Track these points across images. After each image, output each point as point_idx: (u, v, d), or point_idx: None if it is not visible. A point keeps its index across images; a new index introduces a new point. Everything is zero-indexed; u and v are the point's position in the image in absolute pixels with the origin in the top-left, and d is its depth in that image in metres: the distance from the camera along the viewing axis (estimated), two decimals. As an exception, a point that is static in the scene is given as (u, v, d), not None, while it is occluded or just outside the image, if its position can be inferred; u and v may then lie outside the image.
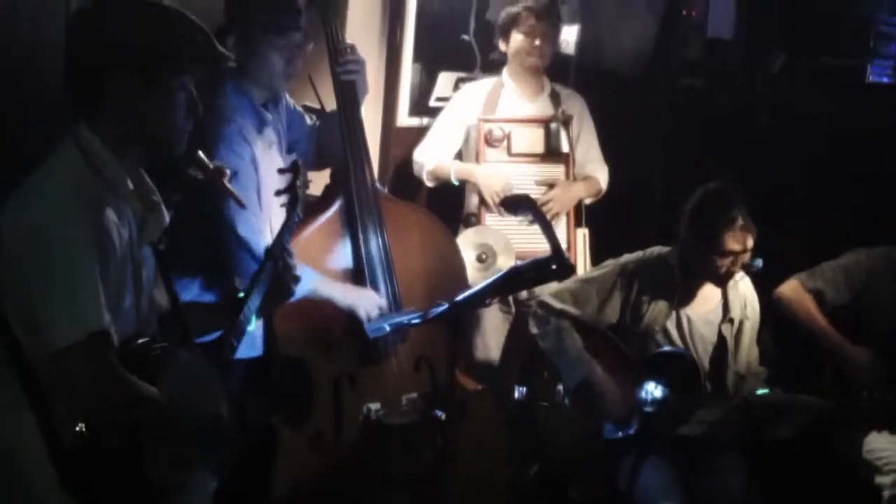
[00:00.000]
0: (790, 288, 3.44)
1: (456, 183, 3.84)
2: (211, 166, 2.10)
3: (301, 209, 2.39)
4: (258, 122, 2.82)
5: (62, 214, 1.81)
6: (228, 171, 2.12)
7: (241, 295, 2.18)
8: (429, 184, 3.90)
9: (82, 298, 1.79)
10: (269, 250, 2.23)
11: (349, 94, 3.00)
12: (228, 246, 2.71)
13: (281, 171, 2.49)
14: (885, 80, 4.28)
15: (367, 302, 2.94)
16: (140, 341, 1.93)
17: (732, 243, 3.08)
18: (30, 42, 2.68)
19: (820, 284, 3.41)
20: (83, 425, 1.77)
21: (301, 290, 2.75)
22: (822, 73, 4.33)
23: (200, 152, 2.06)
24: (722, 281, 3.20)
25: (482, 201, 3.79)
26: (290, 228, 2.31)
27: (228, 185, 2.13)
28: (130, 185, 1.93)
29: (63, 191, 1.84)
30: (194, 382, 1.96)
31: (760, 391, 3.10)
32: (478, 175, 3.79)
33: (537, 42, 3.79)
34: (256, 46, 2.74)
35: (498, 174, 3.78)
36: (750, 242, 3.10)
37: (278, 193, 2.42)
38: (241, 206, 2.22)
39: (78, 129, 1.90)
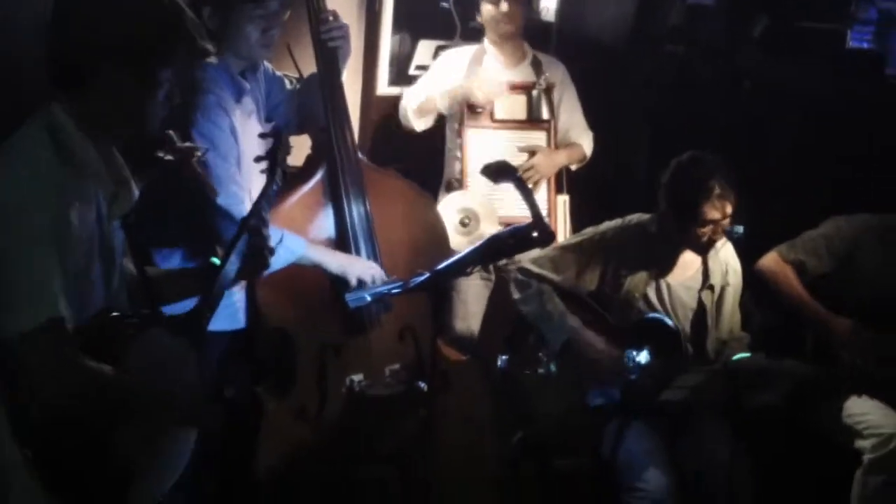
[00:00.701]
0: (770, 260, 3.46)
1: (446, 112, 3.80)
2: (181, 146, 2.07)
3: (280, 177, 2.36)
4: (236, 91, 2.80)
5: (22, 199, 1.79)
6: (199, 152, 2.09)
7: (216, 262, 2.15)
8: (417, 126, 3.85)
9: (37, 285, 1.77)
10: (244, 220, 2.21)
11: (332, 61, 2.97)
12: (209, 215, 2.68)
13: (262, 135, 2.47)
14: (865, 45, 4.27)
15: (358, 268, 2.92)
16: (111, 315, 1.92)
17: (711, 212, 3.09)
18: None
19: (800, 255, 3.42)
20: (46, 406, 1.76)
21: (290, 256, 2.76)
22: (803, 39, 4.32)
23: (171, 132, 2.04)
24: (703, 249, 3.21)
25: (471, 110, 3.74)
26: (268, 197, 2.28)
27: (197, 167, 2.10)
28: (101, 164, 1.92)
29: (24, 175, 1.81)
30: (166, 355, 1.95)
31: (740, 355, 3.12)
32: (467, 87, 3.74)
33: (504, 7, 3.77)
34: (231, 16, 2.72)
35: (494, 81, 3.76)
36: (729, 209, 3.10)
37: (258, 159, 2.39)
38: (209, 185, 2.19)
39: (50, 108, 1.88)
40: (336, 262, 2.91)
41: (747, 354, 3.12)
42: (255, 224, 2.19)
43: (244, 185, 2.74)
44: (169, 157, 2.08)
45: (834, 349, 3.29)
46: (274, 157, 2.37)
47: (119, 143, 1.99)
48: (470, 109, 3.81)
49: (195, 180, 2.12)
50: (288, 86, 3.08)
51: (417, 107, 3.83)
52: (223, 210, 2.67)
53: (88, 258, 1.88)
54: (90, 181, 1.89)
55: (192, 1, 2.59)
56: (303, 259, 2.82)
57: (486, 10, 3.80)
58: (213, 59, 2.70)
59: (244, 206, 2.68)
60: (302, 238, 2.84)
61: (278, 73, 3.07)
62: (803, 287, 3.39)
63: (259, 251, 2.19)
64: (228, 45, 2.76)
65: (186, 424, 2.05)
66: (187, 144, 2.09)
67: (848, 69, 4.25)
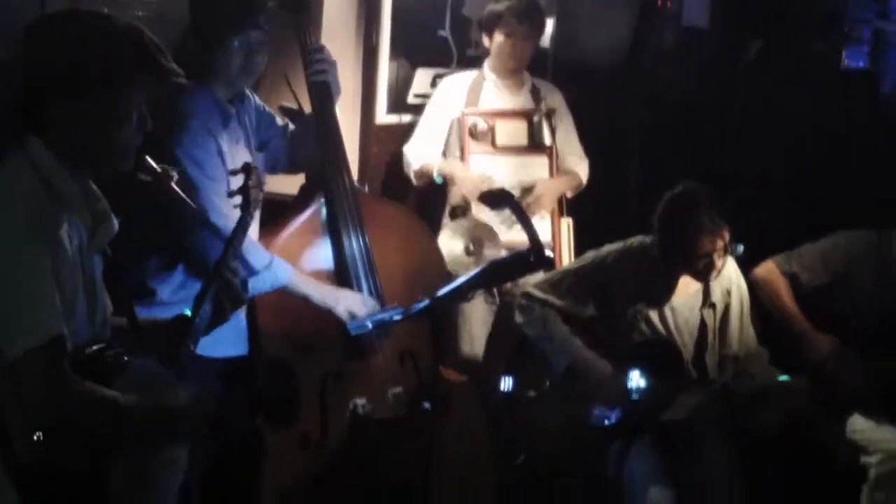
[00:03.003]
0: (765, 269, 3.46)
1: (439, 181, 3.86)
2: (159, 170, 2.08)
3: (253, 211, 2.37)
4: (223, 117, 2.82)
5: (15, 227, 1.80)
6: (175, 174, 2.10)
7: (188, 313, 2.15)
8: (416, 183, 3.92)
9: (38, 305, 1.78)
10: (214, 267, 2.20)
11: (323, 95, 3.00)
12: (197, 238, 2.69)
13: (233, 172, 2.47)
14: (861, 64, 4.30)
15: (347, 302, 2.92)
16: (95, 347, 1.91)
17: (705, 246, 3.09)
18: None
19: (795, 267, 3.43)
20: (40, 434, 1.75)
21: (275, 282, 2.77)
22: (798, 60, 4.35)
23: (147, 157, 2.05)
24: (702, 276, 3.21)
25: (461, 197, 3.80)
26: (238, 237, 2.28)
27: (175, 188, 2.11)
28: (81, 198, 1.92)
29: (15, 205, 1.82)
30: (154, 383, 1.94)
31: (782, 378, 3.12)
32: (457, 173, 3.81)
33: (518, 44, 3.81)
34: (213, 45, 2.75)
35: (474, 173, 3.80)
36: (721, 243, 3.10)
37: (230, 195, 2.41)
38: (192, 208, 2.22)
39: (27, 142, 1.87)
40: (320, 294, 2.90)
41: (786, 377, 3.11)
42: (222, 270, 2.18)
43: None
44: (148, 179, 2.08)
45: (816, 366, 3.28)
46: (246, 192, 2.37)
47: (97, 177, 1.98)
48: (471, 136, 3.85)
49: (176, 201, 2.12)
50: (279, 122, 3.09)
51: (418, 170, 3.88)
52: (215, 227, 2.67)
53: (74, 289, 1.88)
54: (73, 213, 1.89)
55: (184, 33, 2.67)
56: (288, 288, 2.83)
57: (499, 42, 3.82)
58: (196, 86, 2.73)
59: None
60: (290, 267, 2.85)
61: (268, 108, 3.09)
62: (794, 300, 3.39)
63: (229, 297, 2.18)
64: (212, 73, 2.78)
65: (174, 450, 2.04)
66: (164, 167, 2.09)
67: (843, 89, 4.27)
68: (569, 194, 3.98)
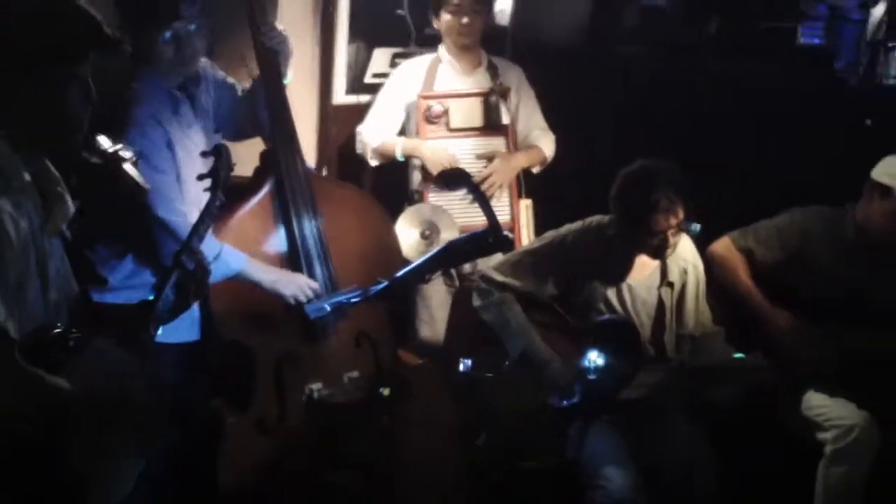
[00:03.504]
0: (721, 245, 3.48)
1: (401, 159, 3.83)
2: (109, 150, 2.05)
3: (221, 195, 2.35)
4: (172, 104, 2.80)
5: None
6: (128, 155, 2.07)
7: (151, 299, 2.13)
8: (373, 162, 3.89)
9: None
10: (176, 254, 2.18)
11: (271, 64, 2.98)
12: (149, 227, 2.69)
13: (204, 154, 2.46)
14: (816, 41, 4.32)
15: (295, 286, 2.92)
16: (54, 332, 1.89)
17: (660, 222, 3.09)
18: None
19: (750, 243, 3.44)
20: None
21: (226, 271, 2.76)
22: (756, 37, 4.36)
23: (99, 137, 2.02)
24: (657, 254, 3.22)
25: (426, 177, 3.78)
26: (206, 219, 2.27)
27: (129, 170, 2.08)
28: (27, 177, 1.89)
29: None
30: (111, 368, 1.93)
31: (737, 356, 3.13)
32: (423, 150, 3.79)
33: (465, 20, 3.78)
34: (142, 36, 2.74)
35: (443, 149, 3.79)
36: (674, 220, 3.09)
37: (201, 178, 2.39)
38: (144, 190, 2.20)
39: None
40: (269, 279, 2.90)
41: (741, 355, 3.12)
42: (185, 259, 2.16)
43: (185, 198, 2.74)
44: (96, 160, 2.04)
45: (772, 341, 3.30)
46: (216, 175, 2.35)
47: (46, 154, 1.95)
48: (426, 120, 3.83)
49: (129, 185, 2.09)
50: (240, 92, 3.08)
51: (378, 147, 3.85)
52: (163, 222, 2.67)
53: (23, 273, 1.85)
54: (21, 195, 1.86)
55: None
56: (240, 276, 2.82)
57: (446, 20, 3.81)
58: (142, 73, 2.71)
59: (185, 219, 2.69)
60: (242, 255, 2.84)
61: (229, 79, 3.07)
62: (750, 276, 3.40)
63: (192, 285, 2.17)
64: (152, 62, 2.78)
65: (136, 433, 2.03)
66: (116, 148, 2.06)
67: (799, 65, 4.29)
68: (535, 170, 3.97)
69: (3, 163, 1.84)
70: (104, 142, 2.03)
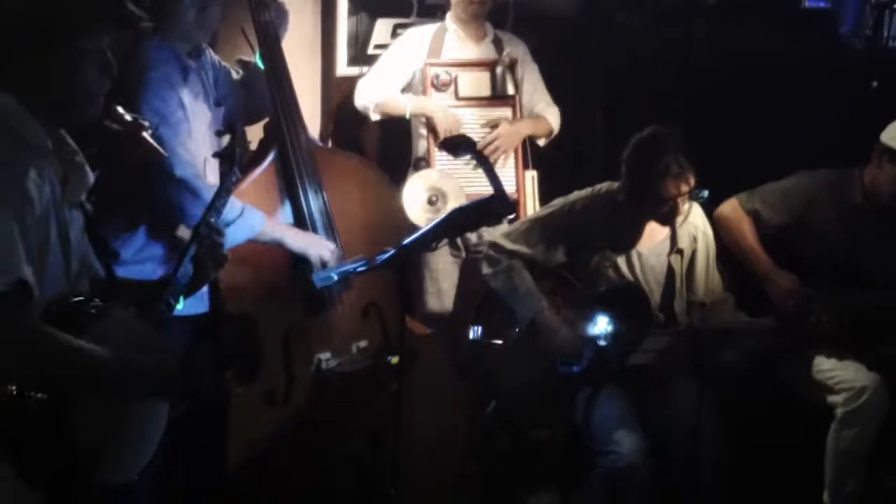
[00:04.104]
0: (729, 207, 3.47)
1: (408, 117, 3.81)
2: (129, 118, 2.06)
3: (238, 170, 2.35)
4: (182, 70, 2.80)
5: None
6: (147, 123, 2.08)
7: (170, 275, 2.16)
8: (374, 117, 3.85)
9: (1, 250, 1.75)
10: (195, 228, 2.20)
11: (269, 39, 2.97)
12: (167, 192, 2.68)
13: (219, 132, 2.48)
14: (822, 4, 4.29)
15: (318, 246, 2.92)
16: (74, 300, 1.91)
17: (670, 189, 3.08)
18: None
19: (757, 205, 3.43)
20: (13, 387, 1.74)
21: (249, 231, 2.77)
22: (760, 1, 4.33)
23: (118, 106, 2.03)
24: (667, 220, 3.21)
25: (435, 136, 3.75)
26: (222, 197, 2.27)
27: (148, 138, 2.09)
28: (50, 145, 1.90)
29: None
30: (129, 335, 1.93)
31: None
32: (435, 110, 3.77)
33: None
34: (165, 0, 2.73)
35: (453, 113, 3.78)
36: (686, 187, 3.08)
37: (216, 155, 2.40)
38: (162, 154, 2.19)
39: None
40: (297, 240, 2.90)
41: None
42: (205, 231, 2.18)
43: (198, 158, 2.74)
44: (116, 128, 2.05)
45: (777, 303, 3.29)
46: (233, 152, 2.36)
47: (64, 125, 1.96)
48: (434, 87, 3.81)
49: (149, 153, 2.10)
50: (235, 76, 3.08)
51: (383, 103, 3.81)
52: (182, 181, 2.67)
53: (45, 238, 1.86)
54: (44, 160, 1.87)
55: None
56: (262, 235, 2.82)
57: None
58: (155, 40, 2.70)
59: (203, 181, 2.70)
60: (262, 213, 2.83)
61: (224, 63, 3.07)
62: (757, 238, 3.40)
63: (205, 262, 2.19)
64: (169, 27, 2.76)
65: (153, 397, 2.03)
66: (136, 116, 2.07)
67: (803, 29, 4.26)
68: (541, 143, 3.95)
69: (25, 130, 1.86)
70: (123, 111, 2.04)
